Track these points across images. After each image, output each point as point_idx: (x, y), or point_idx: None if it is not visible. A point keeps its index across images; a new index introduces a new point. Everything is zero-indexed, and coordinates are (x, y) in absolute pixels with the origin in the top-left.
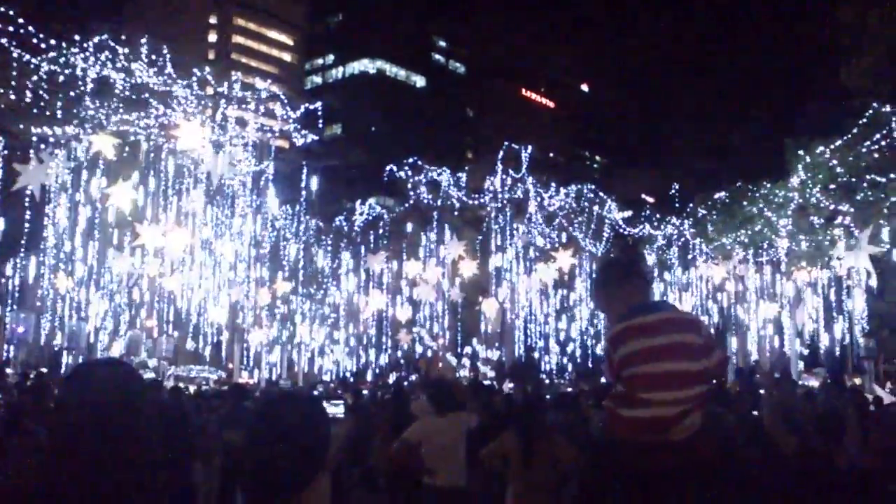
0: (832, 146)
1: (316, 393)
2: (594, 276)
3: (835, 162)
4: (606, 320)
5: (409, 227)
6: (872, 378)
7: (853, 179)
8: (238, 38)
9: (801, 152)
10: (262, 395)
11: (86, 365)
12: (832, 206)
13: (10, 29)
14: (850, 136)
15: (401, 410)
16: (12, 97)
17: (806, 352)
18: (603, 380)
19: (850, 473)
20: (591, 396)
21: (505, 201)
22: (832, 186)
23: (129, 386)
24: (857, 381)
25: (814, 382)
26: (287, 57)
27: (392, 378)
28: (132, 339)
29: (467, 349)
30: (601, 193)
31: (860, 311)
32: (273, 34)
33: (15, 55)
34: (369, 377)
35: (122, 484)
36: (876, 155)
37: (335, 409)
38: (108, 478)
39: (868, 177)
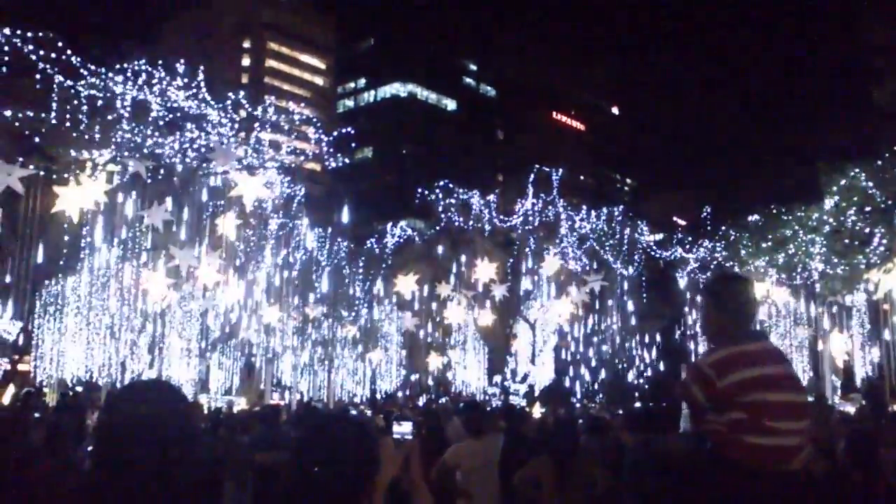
0: (867, 168)
1: (354, 412)
2: (707, 287)
3: (870, 184)
4: (706, 339)
5: (440, 249)
6: None
7: (889, 202)
8: (271, 62)
9: (835, 174)
10: (295, 417)
11: (134, 384)
12: (867, 229)
13: (52, 54)
14: (885, 157)
15: (434, 434)
16: (53, 121)
17: (841, 377)
18: (638, 404)
19: (881, 498)
20: (626, 421)
21: (535, 224)
22: (867, 209)
23: (177, 406)
24: None
25: (850, 408)
26: (319, 81)
27: (422, 400)
28: (164, 361)
29: (497, 373)
30: (632, 216)
31: None
32: (305, 58)
33: (56, 79)
34: (399, 399)
35: (166, 501)
36: None
37: (403, 429)
38: (152, 496)
39: None
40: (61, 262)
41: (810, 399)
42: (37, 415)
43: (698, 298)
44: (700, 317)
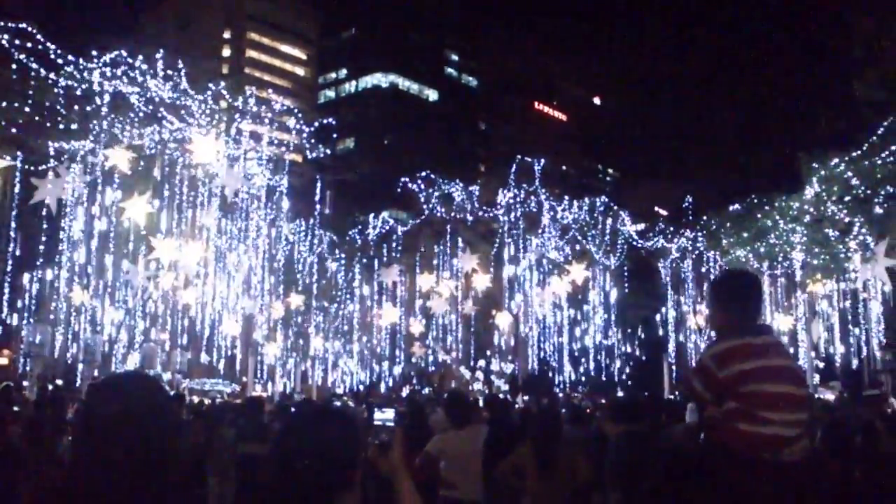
0: (847, 158)
1: (338, 403)
2: (714, 283)
3: (850, 174)
4: (712, 332)
5: (423, 240)
6: (890, 391)
7: (868, 191)
8: (252, 53)
9: (815, 164)
10: (277, 408)
11: (112, 377)
12: (847, 219)
13: (29, 45)
14: (865, 147)
15: (418, 424)
16: (30, 112)
17: (821, 365)
18: (620, 393)
19: (856, 484)
20: (609, 411)
21: (518, 214)
22: (847, 199)
23: (157, 399)
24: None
25: (829, 396)
26: (300, 71)
27: (405, 391)
28: (146, 352)
29: (481, 362)
30: (614, 206)
31: (876, 324)
32: (286, 48)
33: (33, 70)
34: (382, 390)
35: (150, 496)
36: (891, 167)
37: (385, 416)
38: (135, 491)
39: (883, 191)
40: (40, 255)
41: None
42: (16, 409)
43: (680, 288)
44: (708, 311)
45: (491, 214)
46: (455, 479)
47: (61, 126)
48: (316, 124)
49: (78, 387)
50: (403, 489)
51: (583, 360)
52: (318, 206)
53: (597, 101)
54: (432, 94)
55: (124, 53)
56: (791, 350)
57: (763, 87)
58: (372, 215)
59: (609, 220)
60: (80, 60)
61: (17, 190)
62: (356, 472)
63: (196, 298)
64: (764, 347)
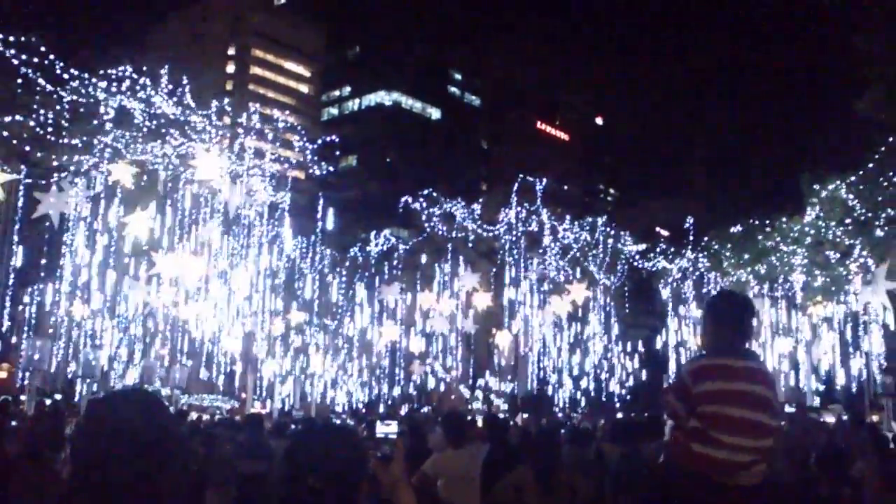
0: (848, 180)
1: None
2: (707, 302)
3: (851, 196)
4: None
5: (424, 258)
6: (891, 415)
7: (869, 214)
8: (256, 70)
9: (816, 186)
10: (275, 426)
11: (112, 393)
12: (848, 241)
13: (35, 59)
14: (866, 170)
15: (417, 444)
16: (34, 126)
17: (821, 388)
18: (620, 414)
19: None
20: (609, 431)
21: (519, 234)
22: (848, 221)
23: (157, 415)
24: (875, 418)
25: (830, 419)
26: (304, 88)
27: (404, 409)
28: (146, 368)
29: (480, 381)
30: (615, 226)
31: (877, 348)
32: (290, 66)
33: (38, 84)
34: (381, 409)
35: None
36: (892, 190)
37: (388, 429)
38: None
39: (884, 214)
40: (41, 269)
41: (790, 410)
42: (14, 423)
43: (681, 309)
44: (702, 333)
45: (492, 233)
46: (453, 498)
47: (65, 140)
48: (319, 141)
49: (77, 402)
50: (404, 500)
51: (583, 379)
52: (319, 224)
53: (599, 120)
54: (435, 113)
55: (129, 69)
56: (792, 373)
57: (765, 108)
58: (374, 233)
59: (610, 240)
60: (85, 75)
61: (20, 203)
62: (361, 487)
63: (196, 314)
64: (738, 371)
